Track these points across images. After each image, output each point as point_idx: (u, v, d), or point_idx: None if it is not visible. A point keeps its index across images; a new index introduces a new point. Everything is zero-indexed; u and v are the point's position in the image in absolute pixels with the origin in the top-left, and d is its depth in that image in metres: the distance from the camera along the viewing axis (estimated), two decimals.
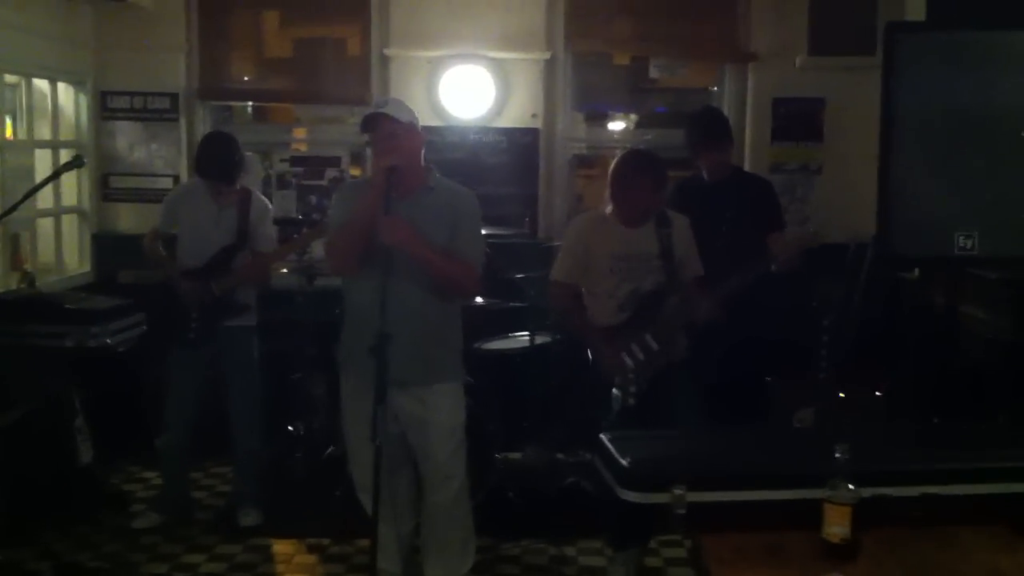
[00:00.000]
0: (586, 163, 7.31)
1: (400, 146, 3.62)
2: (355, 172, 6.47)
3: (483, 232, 3.90)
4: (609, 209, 4.26)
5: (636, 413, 4.06)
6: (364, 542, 4.36)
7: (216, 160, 4.77)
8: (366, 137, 3.79)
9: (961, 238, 3.74)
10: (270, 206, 4.98)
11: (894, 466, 3.04)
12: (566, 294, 4.33)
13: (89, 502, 4.96)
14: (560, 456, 5.31)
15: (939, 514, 2.88)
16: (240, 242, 4.76)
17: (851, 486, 2.63)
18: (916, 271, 5.25)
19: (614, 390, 4.11)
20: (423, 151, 3.79)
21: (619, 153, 4.43)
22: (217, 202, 4.78)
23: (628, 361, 4.15)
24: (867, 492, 2.68)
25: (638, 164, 4.24)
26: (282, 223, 5.18)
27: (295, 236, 5.08)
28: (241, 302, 4.80)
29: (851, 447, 2.67)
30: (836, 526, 2.63)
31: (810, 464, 2.89)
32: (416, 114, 3.77)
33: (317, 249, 5.17)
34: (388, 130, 3.62)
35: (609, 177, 4.26)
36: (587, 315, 4.29)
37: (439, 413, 3.76)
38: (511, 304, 5.41)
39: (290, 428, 5.49)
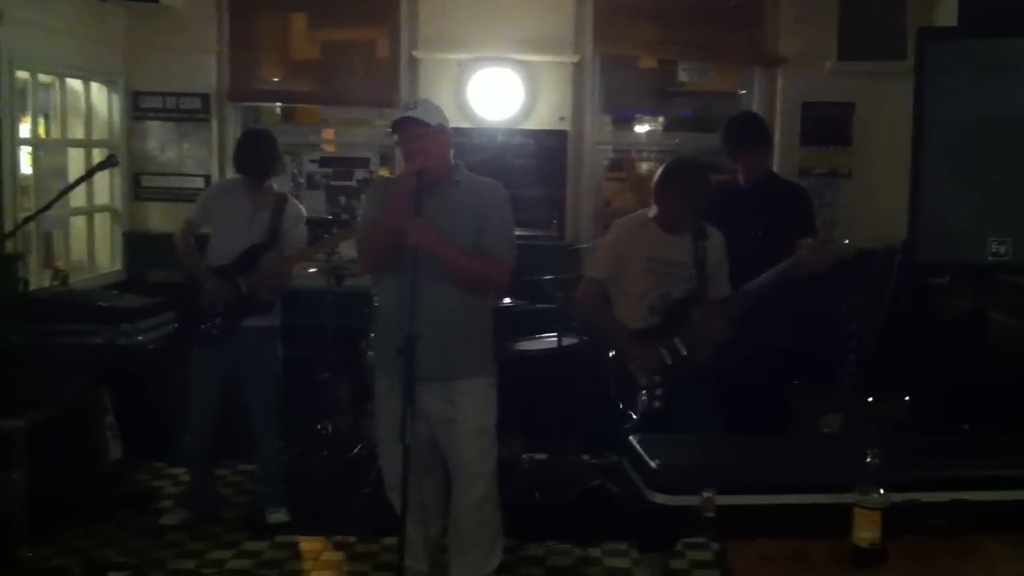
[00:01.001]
0: (615, 167, 7.31)
1: (427, 148, 3.64)
2: (384, 172, 6.50)
3: (513, 222, 3.89)
4: (652, 213, 4.30)
5: (660, 419, 4.07)
6: (390, 540, 4.39)
7: (256, 155, 4.81)
8: (395, 138, 3.81)
9: (995, 244, 3.73)
10: (304, 213, 5.00)
11: (924, 472, 3.03)
12: (597, 292, 4.36)
13: (117, 499, 5.01)
14: (585, 458, 5.32)
15: (966, 522, 2.87)
16: (271, 241, 4.79)
17: (881, 491, 2.62)
18: (947, 277, 5.22)
19: (641, 392, 4.13)
20: (451, 151, 3.81)
21: (665, 159, 4.48)
22: (253, 203, 4.81)
23: (656, 364, 4.17)
24: (897, 497, 2.67)
25: (686, 172, 4.28)
26: (311, 223, 5.21)
27: (324, 236, 5.10)
28: (265, 300, 4.83)
29: (881, 452, 2.66)
30: (866, 531, 2.63)
31: (839, 469, 2.88)
32: (445, 115, 3.79)
33: (346, 250, 5.20)
34: (415, 133, 3.65)
35: (655, 182, 4.30)
36: (612, 312, 4.32)
37: (467, 413, 3.76)
38: (538, 306, 5.41)
39: (318, 427, 5.52)
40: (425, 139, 3.65)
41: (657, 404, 4.14)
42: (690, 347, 4.18)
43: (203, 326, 4.77)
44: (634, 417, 4.14)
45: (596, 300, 4.37)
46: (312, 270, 5.50)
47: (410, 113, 3.70)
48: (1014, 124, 3.79)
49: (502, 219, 3.80)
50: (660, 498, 2.98)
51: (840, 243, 4.26)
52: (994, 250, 3.73)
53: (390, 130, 3.77)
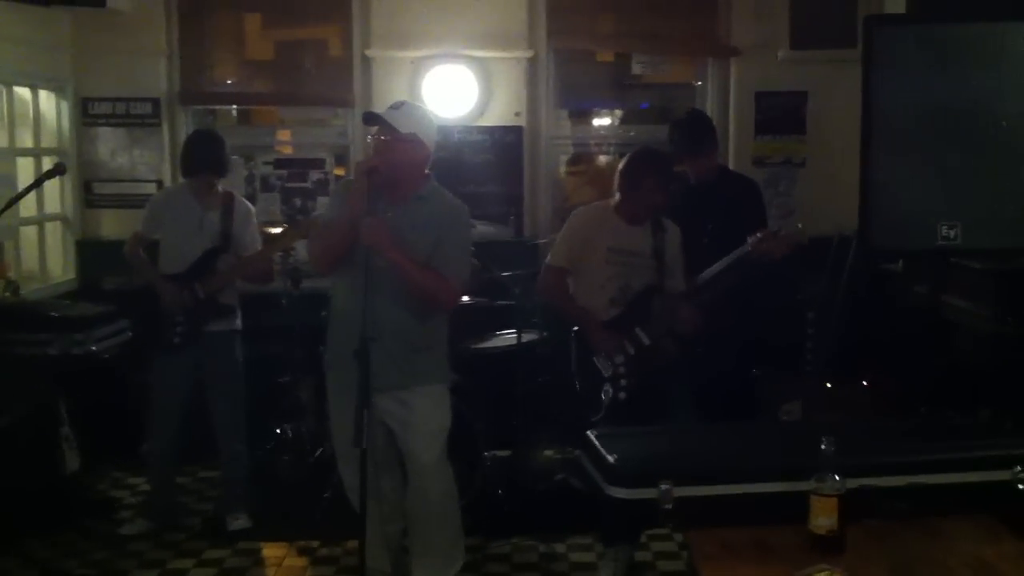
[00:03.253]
0: (573, 161, 7.30)
1: (390, 153, 3.61)
2: (339, 172, 6.45)
3: (471, 249, 3.90)
4: (614, 202, 4.31)
5: (627, 413, 4.07)
6: (353, 543, 4.35)
7: (205, 155, 4.77)
8: (359, 136, 3.78)
9: (944, 229, 3.76)
10: (253, 209, 4.97)
11: (880, 457, 3.06)
12: (559, 281, 4.36)
13: (76, 510, 4.95)
14: (549, 453, 5.31)
15: (924, 505, 2.89)
16: (224, 244, 4.74)
17: (837, 477, 2.63)
18: (900, 263, 5.26)
19: (605, 385, 4.13)
20: (427, 162, 3.76)
21: (624, 151, 4.48)
22: (201, 205, 4.76)
23: (619, 355, 4.18)
24: (853, 483, 2.69)
25: (649, 163, 4.30)
26: (266, 225, 5.16)
27: (279, 232, 5.06)
28: (225, 304, 4.78)
29: (837, 439, 2.67)
30: (823, 518, 2.64)
31: (797, 457, 2.89)
32: (430, 126, 3.75)
33: (303, 250, 5.16)
34: (382, 133, 3.64)
35: (621, 171, 4.32)
36: (578, 304, 4.32)
37: (422, 416, 3.76)
38: (497, 303, 5.40)
39: (278, 431, 5.47)
40: (391, 143, 3.62)
41: (622, 395, 4.14)
42: (653, 337, 4.19)
43: (166, 334, 4.72)
44: (599, 410, 4.14)
45: (558, 288, 4.36)
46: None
47: (383, 112, 3.68)
48: (962, 109, 3.82)
49: (459, 240, 3.79)
50: (619, 492, 2.98)
51: (793, 231, 4.28)
52: (944, 235, 3.76)
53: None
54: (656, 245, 4.26)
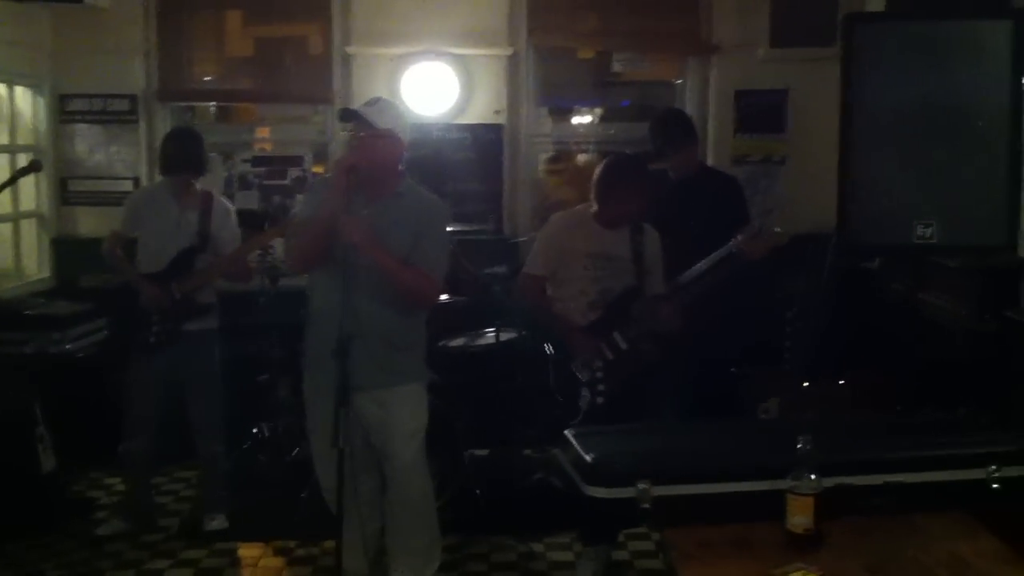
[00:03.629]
0: (554, 159, 7.30)
1: (369, 149, 3.59)
2: (318, 170, 6.42)
3: (449, 245, 3.88)
4: (592, 209, 4.29)
5: (605, 417, 4.06)
6: (330, 544, 4.29)
7: (181, 154, 4.73)
8: (338, 133, 3.75)
9: (920, 227, 3.76)
10: (232, 208, 4.94)
11: (856, 455, 3.06)
12: (538, 287, 4.35)
13: (52, 510, 4.89)
14: (527, 452, 5.31)
15: (900, 503, 2.89)
16: (201, 243, 4.71)
17: (813, 476, 2.63)
18: (876, 261, 5.28)
19: (583, 390, 4.12)
20: (401, 158, 3.75)
21: (604, 151, 4.47)
22: (180, 204, 4.72)
23: (597, 360, 4.16)
24: (829, 482, 2.68)
25: (627, 170, 4.27)
26: (244, 223, 5.13)
27: (258, 232, 5.03)
28: (203, 303, 4.75)
29: (814, 438, 2.67)
30: (799, 516, 2.64)
31: (774, 455, 2.89)
32: (406, 123, 3.74)
33: (280, 249, 5.13)
34: (359, 129, 3.62)
35: (595, 178, 4.29)
36: (551, 304, 4.31)
37: (400, 416, 3.74)
38: (476, 301, 5.39)
39: (255, 431, 5.45)
40: (369, 140, 3.60)
41: (600, 400, 4.13)
42: (631, 341, 4.18)
43: (143, 334, 4.68)
44: (579, 413, 4.13)
45: (538, 295, 4.36)
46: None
47: (360, 108, 3.65)
48: (940, 107, 3.81)
49: (437, 237, 3.78)
50: (597, 492, 2.98)
51: (773, 231, 4.29)
52: (919, 233, 3.76)
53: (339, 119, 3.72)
54: (635, 248, 4.24)
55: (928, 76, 3.86)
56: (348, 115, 3.70)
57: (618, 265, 4.23)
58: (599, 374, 4.16)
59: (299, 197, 6.24)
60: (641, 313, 4.19)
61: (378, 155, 3.62)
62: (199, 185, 4.82)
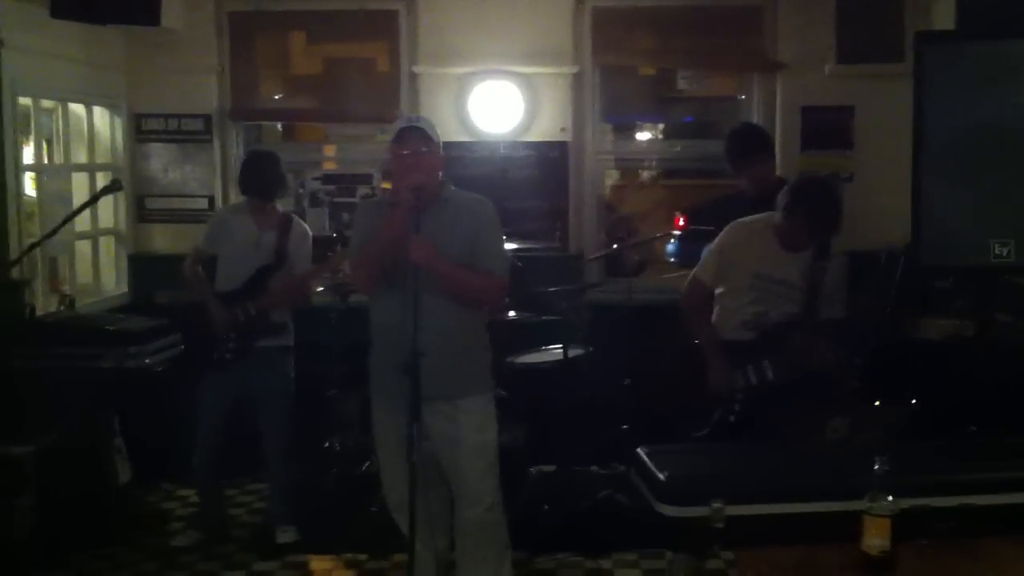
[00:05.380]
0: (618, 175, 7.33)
1: (426, 164, 3.64)
2: (387, 186, 6.50)
3: (504, 238, 3.88)
4: (775, 221, 4.14)
5: (731, 435, 4.03)
6: (400, 557, 4.38)
7: (262, 176, 4.85)
8: (391, 151, 3.76)
9: (997, 246, 3.73)
10: (310, 232, 5.02)
11: (933, 477, 3.04)
12: (701, 294, 4.27)
13: (127, 521, 5.02)
14: (594, 469, 5.31)
15: (972, 526, 2.87)
16: (278, 262, 4.81)
17: (890, 498, 2.62)
18: (950, 279, 5.21)
19: (718, 406, 4.09)
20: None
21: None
22: (259, 225, 4.83)
23: (739, 381, 4.12)
24: (906, 503, 2.67)
25: (815, 189, 4.10)
26: (314, 241, 5.21)
27: (328, 254, 5.12)
28: (277, 321, 4.84)
29: (890, 458, 2.66)
30: (876, 539, 2.63)
31: (848, 476, 2.89)
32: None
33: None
34: (418, 147, 3.64)
35: (784, 191, 4.12)
36: (711, 321, 4.24)
37: (469, 430, 3.75)
38: (543, 318, 5.41)
39: (326, 445, 5.53)
40: (427, 154, 3.65)
41: (732, 419, 4.09)
42: (778, 371, 4.09)
43: (216, 352, 4.78)
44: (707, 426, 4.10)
45: (698, 302, 4.27)
46: (319, 288, 5.52)
47: (417, 124, 3.70)
48: (1013, 126, 3.78)
49: (494, 234, 3.79)
50: (670, 510, 2.99)
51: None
52: (996, 252, 3.73)
53: (391, 140, 3.74)
54: (812, 276, 4.08)
55: (1001, 94, 3.84)
56: (408, 132, 3.67)
57: (784, 290, 4.09)
58: (739, 395, 4.09)
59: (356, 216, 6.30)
60: (801, 346, 4.04)
61: (433, 168, 3.68)
62: (280, 207, 4.92)
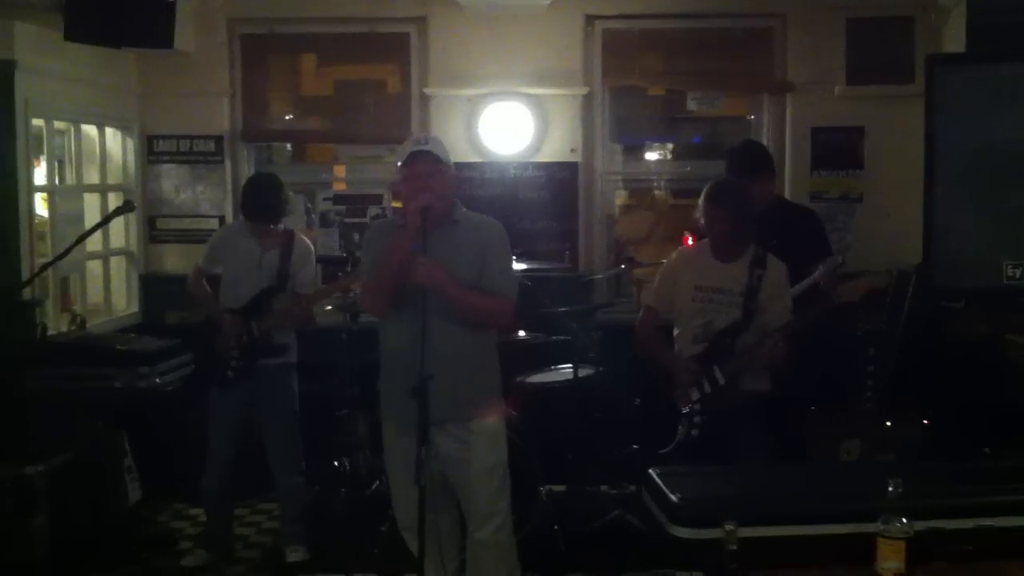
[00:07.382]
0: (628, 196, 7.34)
1: (436, 185, 3.63)
2: (397, 205, 6.51)
3: (514, 260, 3.91)
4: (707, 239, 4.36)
5: (696, 450, 4.07)
6: None
7: (259, 201, 4.85)
8: (400, 172, 3.75)
9: (1010, 268, 3.73)
10: (312, 248, 5.03)
11: (947, 499, 3.02)
12: (651, 319, 4.45)
13: (138, 541, 5.02)
14: (604, 489, 5.30)
15: (987, 548, 2.85)
16: (280, 284, 4.81)
17: (904, 520, 2.61)
18: (963, 301, 5.21)
19: (681, 420, 4.15)
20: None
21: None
22: (260, 244, 4.84)
23: (695, 392, 4.19)
24: (920, 526, 2.66)
25: (714, 194, 4.27)
26: (325, 261, 5.23)
27: (340, 275, 5.13)
28: (280, 343, 4.84)
29: (903, 480, 2.65)
30: (890, 561, 2.62)
31: (861, 498, 2.87)
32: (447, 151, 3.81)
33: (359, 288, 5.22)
34: (427, 169, 3.64)
35: (699, 209, 4.32)
36: (662, 340, 4.40)
37: (479, 452, 3.74)
38: (553, 338, 5.42)
39: (335, 464, 5.52)
40: (436, 175, 3.66)
41: (695, 432, 4.15)
42: (729, 376, 4.18)
43: (220, 369, 4.79)
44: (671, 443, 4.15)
45: (649, 329, 4.45)
46: (328, 307, 5.52)
47: (427, 147, 3.71)
48: None
49: (502, 256, 3.79)
50: (682, 532, 2.98)
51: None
52: (1009, 273, 3.73)
53: (400, 163, 3.74)
54: (750, 282, 4.20)
55: (1012, 116, 3.84)
56: (417, 155, 3.66)
57: (724, 298, 4.22)
58: (696, 406, 4.18)
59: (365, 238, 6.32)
60: (744, 349, 4.17)
61: (443, 189, 3.68)
62: (283, 224, 4.93)
